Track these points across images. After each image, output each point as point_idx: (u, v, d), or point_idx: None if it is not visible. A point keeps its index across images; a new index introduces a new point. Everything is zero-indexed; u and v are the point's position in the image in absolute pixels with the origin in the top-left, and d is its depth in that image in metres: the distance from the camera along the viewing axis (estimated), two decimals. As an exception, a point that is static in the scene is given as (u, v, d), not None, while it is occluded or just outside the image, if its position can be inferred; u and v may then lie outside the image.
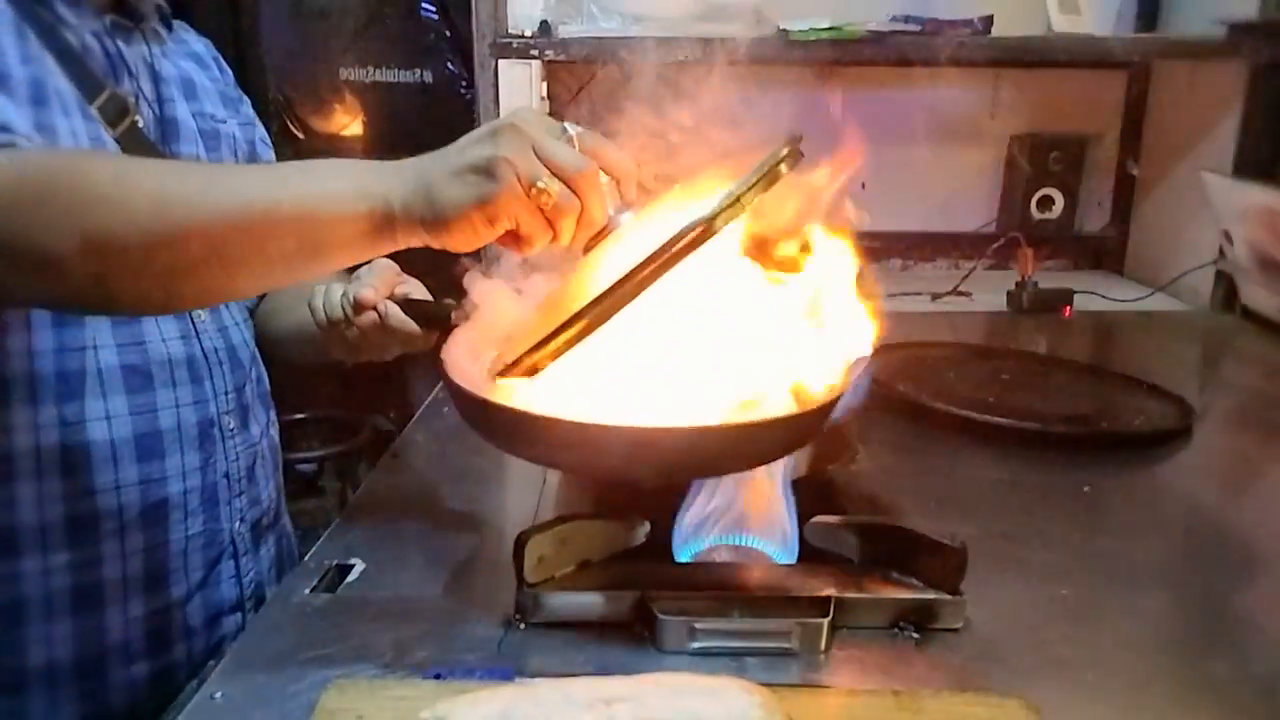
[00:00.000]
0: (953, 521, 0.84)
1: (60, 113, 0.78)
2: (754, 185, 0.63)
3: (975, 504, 0.90)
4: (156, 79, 0.90)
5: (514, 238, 0.65)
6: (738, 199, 0.62)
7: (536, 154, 0.62)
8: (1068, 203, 1.93)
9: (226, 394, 0.91)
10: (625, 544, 0.73)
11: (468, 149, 0.63)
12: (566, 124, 0.66)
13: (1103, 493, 0.93)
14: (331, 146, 2.42)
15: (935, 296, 1.75)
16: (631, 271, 0.61)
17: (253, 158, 1.02)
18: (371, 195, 0.63)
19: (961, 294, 1.77)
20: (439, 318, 0.84)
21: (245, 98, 1.06)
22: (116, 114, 0.84)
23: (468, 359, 0.76)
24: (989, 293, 1.74)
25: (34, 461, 0.79)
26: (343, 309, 0.88)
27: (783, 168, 0.64)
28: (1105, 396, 1.19)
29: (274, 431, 1.03)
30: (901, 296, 1.74)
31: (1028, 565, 0.78)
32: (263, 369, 1.02)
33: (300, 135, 2.51)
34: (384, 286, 0.87)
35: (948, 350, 1.36)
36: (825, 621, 0.64)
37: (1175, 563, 0.83)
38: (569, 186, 0.63)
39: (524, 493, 0.90)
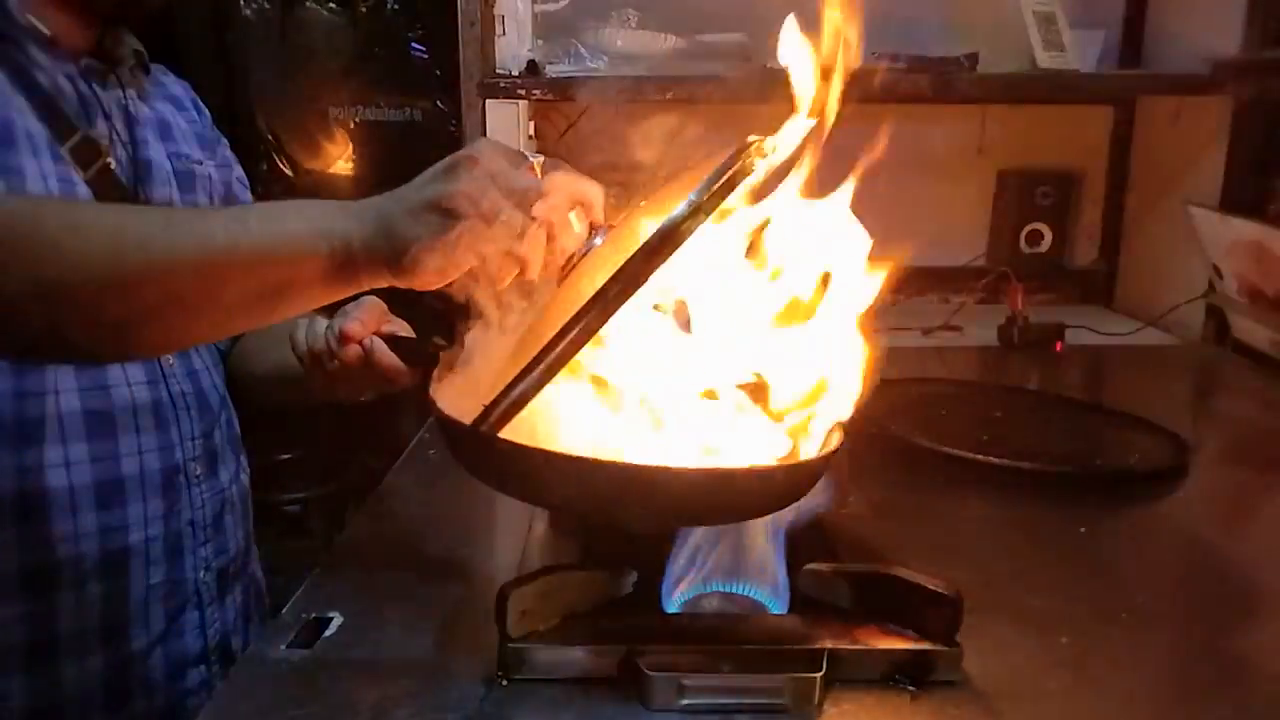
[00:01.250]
0: (947, 566, 0.82)
1: (29, 153, 0.77)
2: (715, 191, 0.61)
3: (970, 547, 0.88)
4: (130, 121, 0.89)
5: (482, 273, 0.64)
6: (698, 207, 0.60)
7: (496, 185, 0.61)
8: (1056, 237, 1.94)
9: (194, 440, 0.89)
10: (612, 594, 0.71)
11: (426, 186, 0.62)
12: (527, 152, 0.65)
13: (1100, 533, 0.92)
14: (321, 185, 2.42)
15: (926, 331, 1.75)
16: (591, 300, 0.59)
17: (229, 199, 1.01)
18: (330, 236, 0.62)
19: (952, 328, 1.76)
20: (425, 356, 0.82)
21: (223, 139, 1.05)
22: (88, 156, 0.83)
23: (458, 395, 0.75)
24: (979, 327, 1.74)
25: None
26: (326, 341, 0.86)
27: (749, 165, 0.63)
28: (1100, 433, 1.18)
29: (244, 477, 1.01)
30: (892, 331, 1.73)
31: (1025, 611, 0.76)
32: (233, 413, 1.00)
33: (290, 173, 2.51)
34: (371, 322, 0.86)
35: (939, 387, 1.35)
36: (818, 676, 0.62)
37: (1176, 605, 0.81)
38: (531, 215, 0.61)
39: (509, 538, 0.88)
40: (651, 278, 0.61)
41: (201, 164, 0.97)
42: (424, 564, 0.85)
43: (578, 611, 0.69)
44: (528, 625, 0.66)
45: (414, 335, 0.92)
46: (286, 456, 2.03)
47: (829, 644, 0.65)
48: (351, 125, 2.40)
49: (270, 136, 2.38)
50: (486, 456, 0.67)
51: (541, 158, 0.66)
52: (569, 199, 0.65)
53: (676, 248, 0.60)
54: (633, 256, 0.60)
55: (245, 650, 0.96)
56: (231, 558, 0.96)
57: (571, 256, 0.66)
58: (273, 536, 1.40)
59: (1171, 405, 1.38)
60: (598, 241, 0.67)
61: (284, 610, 0.75)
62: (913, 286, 1.99)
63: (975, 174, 1.98)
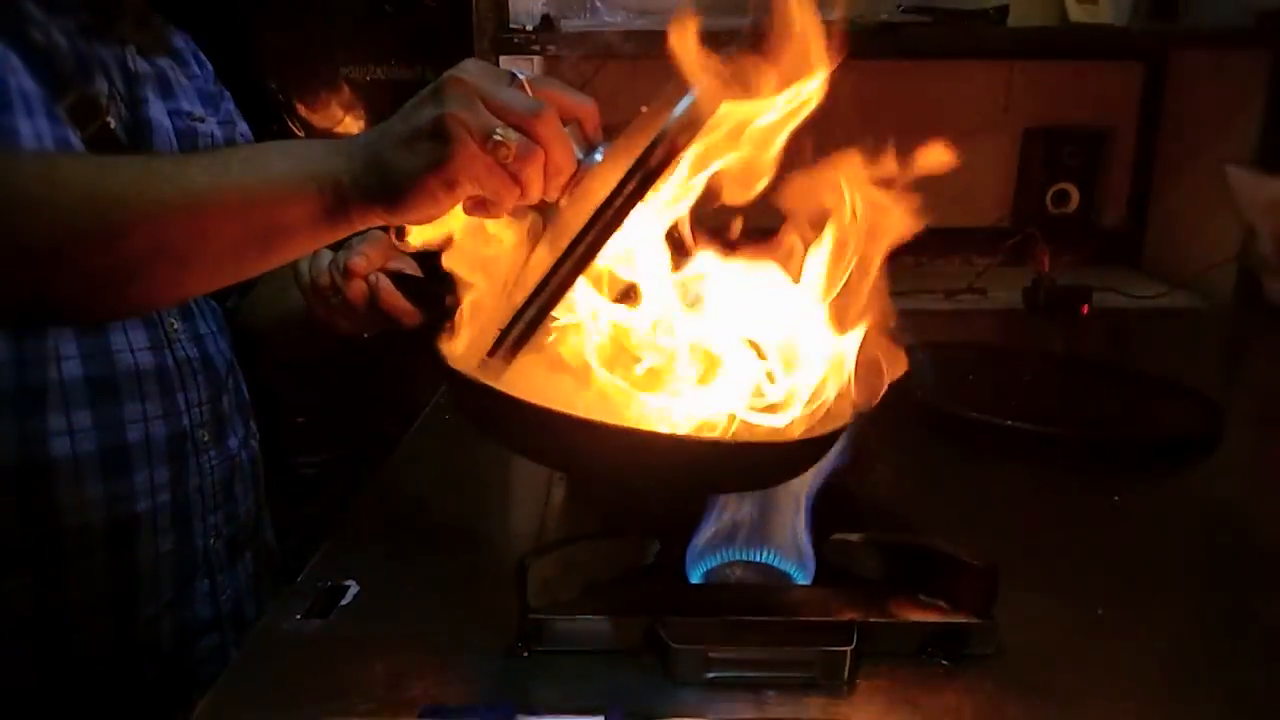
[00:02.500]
0: (978, 535, 0.80)
1: (23, 114, 0.75)
2: (709, 98, 0.58)
3: (1001, 516, 0.86)
4: (130, 78, 0.85)
5: (479, 201, 0.61)
6: (695, 116, 0.57)
7: (486, 105, 0.57)
8: (1083, 197, 1.89)
9: (200, 406, 0.87)
10: (634, 564, 0.69)
11: (413, 113, 0.59)
12: (515, 69, 0.62)
13: (1133, 502, 0.89)
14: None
15: (949, 294, 1.71)
16: (591, 221, 0.57)
17: None
18: (319, 176, 0.60)
19: (976, 291, 1.72)
20: (432, 298, 0.80)
21: (226, 93, 1.01)
22: (86, 115, 0.80)
23: (469, 352, 0.72)
24: (1004, 290, 1.70)
25: None
26: (330, 275, 0.84)
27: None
28: (1131, 399, 1.15)
29: (254, 443, 1.00)
30: (915, 294, 1.70)
31: (1059, 582, 0.73)
32: (241, 379, 0.98)
33: (300, 133, 2.47)
34: (377, 257, 0.83)
35: (965, 351, 1.31)
36: (849, 650, 0.60)
37: (1213, 575, 0.79)
38: (527, 134, 0.58)
39: (528, 505, 0.86)
40: (651, 192, 0.58)
41: (204, 121, 0.93)
42: (441, 530, 0.83)
43: (599, 581, 0.67)
44: (548, 596, 0.64)
45: (421, 274, 0.89)
46: (300, 420, 2.02)
47: (859, 616, 0.63)
48: (363, 84, 2.36)
49: (280, 96, 2.34)
50: (495, 411, 0.65)
51: (530, 73, 0.62)
52: (563, 115, 0.61)
53: (673, 160, 0.57)
54: (630, 171, 0.57)
55: (258, 617, 0.95)
56: (242, 524, 0.94)
57: (573, 175, 0.63)
58: (287, 501, 1.39)
59: (1203, 370, 1.35)
60: (597, 157, 0.64)
61: (299, 579, 0.73)
62: (935, 248, 1.95)
63: (1001, 132, 1.93)
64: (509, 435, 0.71)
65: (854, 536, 0.69)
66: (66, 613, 0.79)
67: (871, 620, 0.63)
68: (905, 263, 2.14)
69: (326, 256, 0.84)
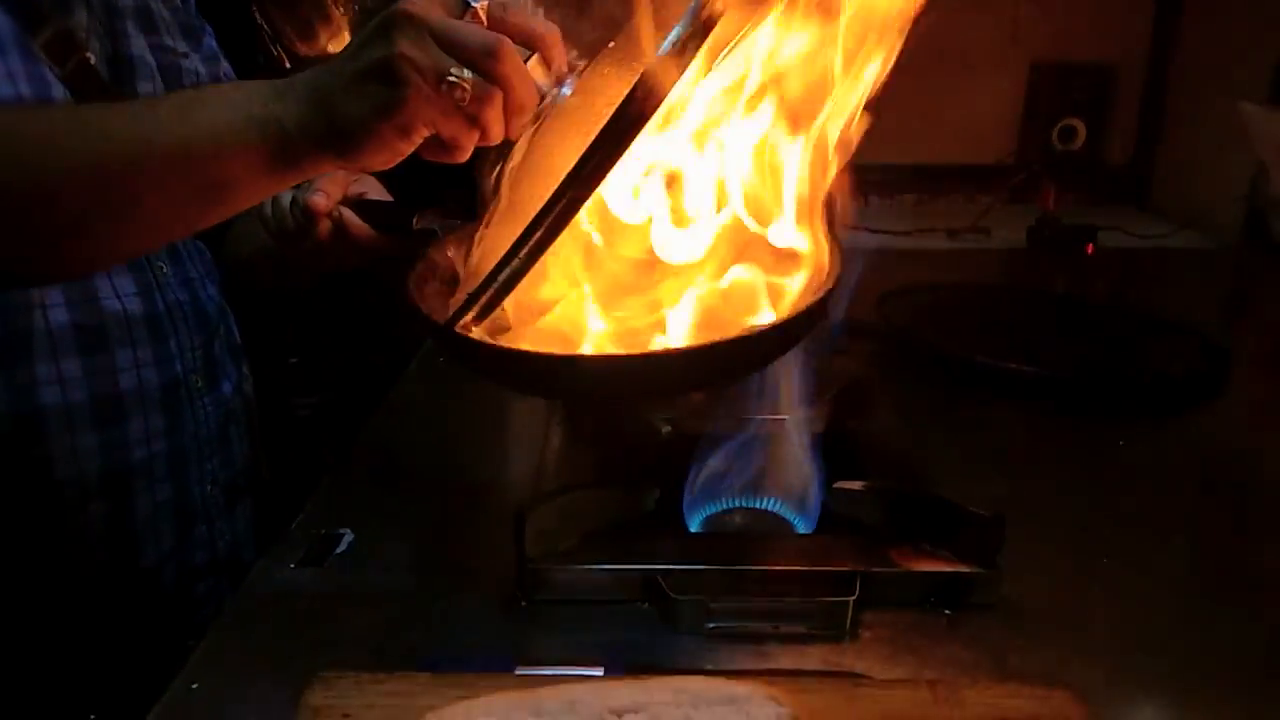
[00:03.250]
0: (982, 481, 0.80)
1: None
2: (692, 31, 0.52)
3: (1004, 461, 0.85)
4: (110, 11, 0.81)
5: (437, 144, 0.57)
6: (680, 51, 0.51)
7: (438, 42, 0.53)
8: (1091, 133, 1.85)
9: (193, 351, 0.85)
10: (633, 512, 0.68)
11: (360, 51, 0.54)
12: None
13: (1138, 446, 0.88)
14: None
15: (952, 233, 1.68)
16: (571, 174, 0.53)
17: None
18: (262, 122, 0.56)
19: (979, 230, 1.69)
20: (400, 221, 0.77)
21: (208, 27, 0.97)
22: (64, 51, 0.76)
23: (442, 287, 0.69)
24: (1008, 229, 1.67)
25: None
26: (294, 219, 0.81)
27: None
28: (1136, 342, 1.13)
29: (248, 387, 0.98)
30: (917, 234, 1.67)
31: (1063, 530, 0.73)
32: (232, 322, 0.96)
33: (288, 65, 2.41)
34: (335, 189, 0.80)
35: (969, 293, 1.29)
36: (850, 600, 0.59)
37: (1219, 521, 0.77)
38: (484, 73, 0.54)
39: (524, 449, 0.85)
40: (638, 138, 0.53)
41: (187, 57, 0.89)
42: (437, 476, 0.82)
43: (598, 530, 0.66)
44: (546, 545, 0.63)
45: (385, 195, 0.85)
46: (294, 361, 2.00)
47: (862, 566, 0.62)
48: (353, 12, 2.29)
49: (265, 26, 2.27)
50: (469, 357, 0.62)
51: (485, 1, 0.57)
52: (524, 44, 0.57)
53: (658, 105, 0.52)
54: (613, 117, 0.52)
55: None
56: (239, 470, 0.93)
57: (538, 112, 0.59)
58: (282, 443, 1.37)
59: (1209, 312, 1.33)
60: (565, 91, 0.60)
61: (293, 526, 0.72)
62: (938, 185, 1.92)
63: (1007, 66, 1.87)
64: (493, 374, 0.68)
65: (856, 485, 0.68)
66: (64, 562, 0.78)
67: (874, 570, 0.62)
68: (906, 200, 2.10)
69: (286, 199, 0.81)
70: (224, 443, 0.90)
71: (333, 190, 0.78)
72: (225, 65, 0.97)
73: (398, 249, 0.77)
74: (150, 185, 0.58)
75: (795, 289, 0.61)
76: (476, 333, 0.58)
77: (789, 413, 0.75)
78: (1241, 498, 0.82)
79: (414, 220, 0.74)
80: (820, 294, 0.59)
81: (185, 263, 0.86)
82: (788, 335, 0.60)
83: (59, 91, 0.74)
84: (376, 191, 0.83)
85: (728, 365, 0.60)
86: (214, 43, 0.96)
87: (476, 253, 0.68)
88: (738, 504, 0.74)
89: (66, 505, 0.77)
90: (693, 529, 0.72)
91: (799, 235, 0.61)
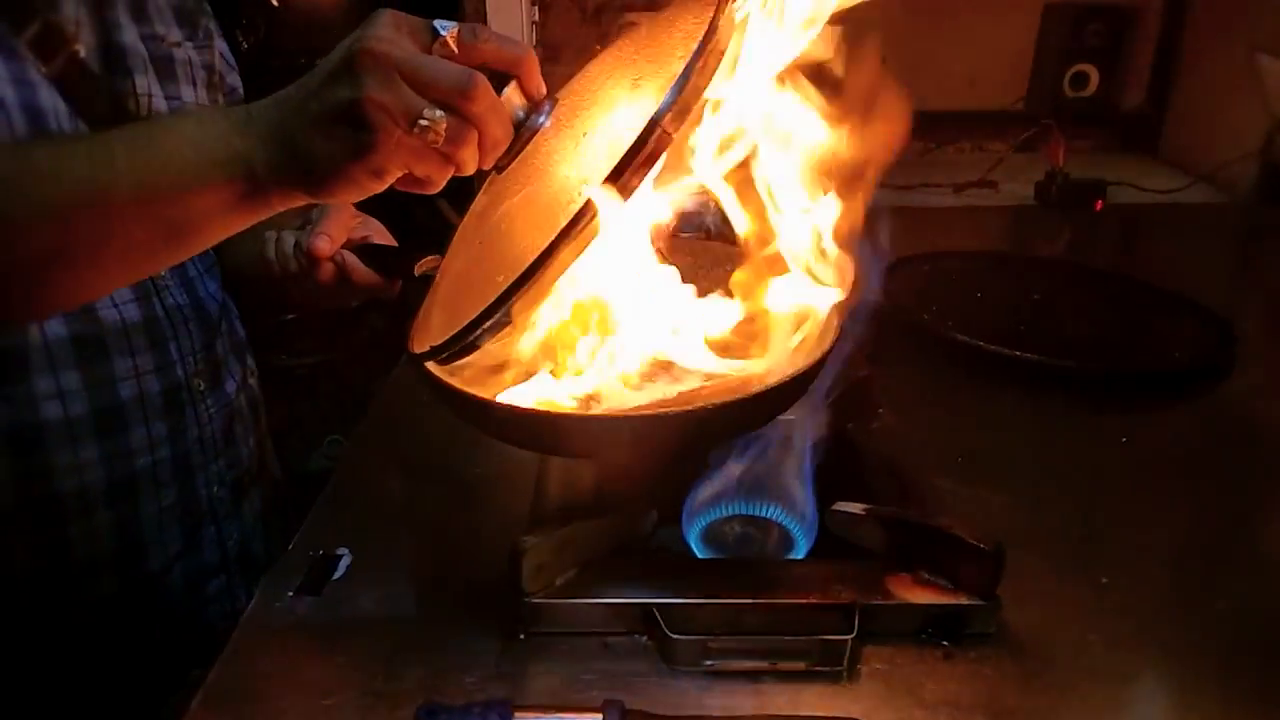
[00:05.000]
0: (982, 488, 0.79)
1: None
2: (696, 68, 0.51)
3: (1005, 462, 0.84)
4: (101, 1, 0.78)
5: (410, 179, 0.56)
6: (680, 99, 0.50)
7: (408, 81, 0.51)
8: (1104, 80, 1.79)
9: (195, 354, 0.84)
10: (631, 537, 0.68)
11: (327, 91, 0.52)
12: (436, 21, 0.54)
13: (1141, 442, 0.87)
14: (309, 13, 2.26)
15: (959, 189, 1.65)
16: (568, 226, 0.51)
17: (211, 85, 0.90)
18: (227, 163, 0.54)
19: (987, 185, 1.66)
20: (402, 266, 0.76)
21: (205, 6, 0.93)
22: (52, 45, 0.73)
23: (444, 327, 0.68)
24: (1016, 181, 1.63)
25: None
26: (297, 261, 0.80)
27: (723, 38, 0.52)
28: (1142, 319, 1.11)
29: (253, 382, 0.97)
30: (922, 189, 1.63)
31: (1063, 543, 0.73)
32: (234, 318, 0.94)
33: (275, 4, 2.33)
34: (339, 233, 0.79)
35: (973, 262, 1.27)
36: (849, 639, 0.59)
37: (1223, 531, 0.77)
38: (457, 112, 0.52)
39: (522, 456, 0.84)
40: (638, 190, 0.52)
41: (179, 46, 0.85)
42: (433, 485, 0.81)
43: (595, 558, 0.65)
44: (544, 578, 0.63)
45: (389, 239, 0.85)
46: (290, 318, 1.98)
47: (859, 596, 0.62)
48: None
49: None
50: (473, 411, 0.62)
51: (456, 26, 0.54)
52: (499, 70, 0.55)
53: (661, 153, 0.51)
54: (618, 166, 0.51)
55: (265, 556, 0.95)
56: (245, 467, 0.92)
57: (514, 143, 0.57)
58: (282, 401, 1.36)
59: (1218, 278, 1.31)
60: (543, 120, 0.58)
61: (291, 546, 0.72)
62: (945, 133, 1.87)
63: (1019, 7, 1.81)
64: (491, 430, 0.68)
65: (856, 508, 0.67)
66: (71, 571, 0.78)
67: (873, 602, 0.62)
68: (914, 148, 2.05)
69: (289, 241, 0.79)
70: (229, 443, 0.89)
71: (336, 234, 0.76)
72: (221, 44, 0.93)
73: (398, 292, 0.76)
74: (114, 227, 0.56)
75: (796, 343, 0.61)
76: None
77: (789, 417, 0.74)
78: (1245, 498, 0.81)
79: (415, 266, 0.72)
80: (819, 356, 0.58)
81: (185, 263, 0.84)
82: (785, 395, 0.59)
83: (46, 93, 0.72)
84: (380, 235, 0.82)
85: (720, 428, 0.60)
86: (211, 23, 0.92)
87: (442, 282, 0.67)
88: (737, 511, 0.74)
89: (71, 515, 0.77)
90: (690, 539, 0.72)
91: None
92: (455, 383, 0.60)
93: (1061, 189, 1.55)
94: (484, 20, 1.41)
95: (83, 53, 0.75)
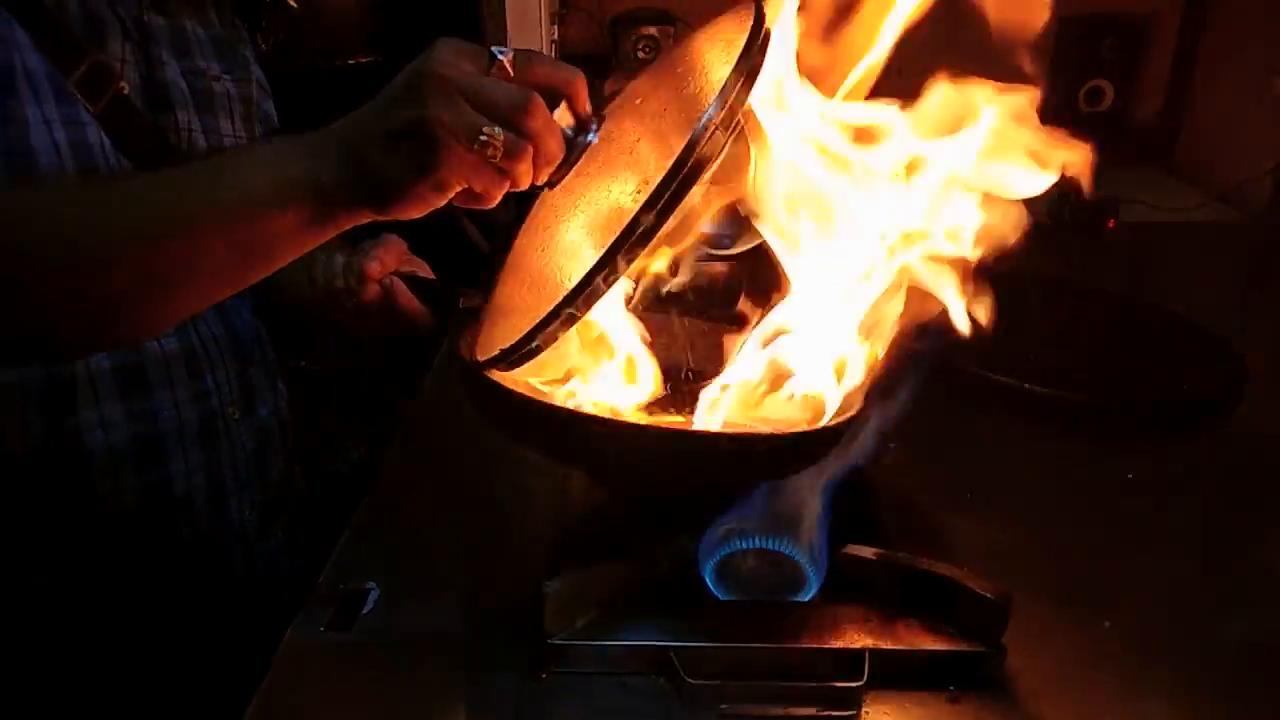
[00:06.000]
0: (992, 525, 0.81)
1: (31, 100, 0.71)
2: (736, 91, 0.56)
3: (1014, 498, 0.86)
4: (145, 36, 0.81)
5: (468, 194, 0.60)
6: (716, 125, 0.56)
7: (469, 101, 0.55)
8: (1119, 94, 1.80)
9: (229, 382, 0.87)
10: (650, 574, 0.70)
11: (393, 112, 0.56)
12: (494, 48, 0.58)
13: (1147, 480, 0.89)
14: (329, 16, 2.28)
15: (971, 204, 1.66)
16: (619, 238, 0.57)
17: (249, 117, 0.93)
18: (299, 185, 0.58)
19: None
20: (448, 300, 0.79)
21: (244, 36, 0.95)
22: (99, 85, 0.76)
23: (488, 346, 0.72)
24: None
25: (29, 473, 0.77)
26: (345, 279, 0.83)
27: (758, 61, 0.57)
28: (1152, 347, 1.13)
29: (284, 405, 1.00)
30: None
31: (1069, 586, 0.74)
32: (268, 344, 0.97)
33: (294, 6, 2.35)
34: (391, 260, 0.83)
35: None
36: (859, 685, 0.61)
37: (1227, 572, 0.79)
38: (514, 128, 0.56)
39: (545, 479, 0.86)
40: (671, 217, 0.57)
41: (219, 79, 0.89)
42: (459, 511, 0.84)
43: (616, 596, 0.68)
44: (566, 618, 0.65)
45: (435, 277, 0.88)
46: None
47: (869, 640, 0.64)
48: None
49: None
50: (519, 414, 0.66)
51: (511, 51, 0.58)
52: (550, 91, 0.59)
53: (705, 171, 0.56)
54: (662, 181, 0.56)
55: (290, 571, 0.98)
56: (275, 490, 0.96)
57: (565, 158, 0.61)
58: (304, 403, 1.39)
59: (1231, 301, 1.32)
60: (591, 138, 0.62)
61: (320, 579, 0.75)
62: (959, 146, 1.88)
63: (1035, 17, 1.81)
64: (532, 438, 0.71)
65: (866, 552, 0.70)
66: (106, 591, 0.82)
67: (883, 647, 0.64)
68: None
69: (340, 261, 0.82)
70: (260, 468, 0.92)
71: (388, 260, 0.80)
72: (257, 72, 0.97)
73: (440, 327, 0.79)
74: (199, 252, 0.60)
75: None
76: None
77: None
78: (1253, 541, 0.83)
79: (460, 300, 0.75)
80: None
81: None
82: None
83: (94, 132, 0.75)
84: (426, 273, 0.84)
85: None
86: (249, 52, 0.95)
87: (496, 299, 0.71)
88: (751, 545, 0.77)
89: (107, 540, 0.80)
90: (706, 574, 0.75)
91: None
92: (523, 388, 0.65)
93: (1075, 208, 1.56)
94: (505, 40, 1.43)
95: (127, 90, 0.78)
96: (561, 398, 0.73)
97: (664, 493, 0.75)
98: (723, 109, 0.57)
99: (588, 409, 0.72)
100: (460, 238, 0.96)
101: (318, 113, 0.61)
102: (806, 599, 0.70)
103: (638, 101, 0.68)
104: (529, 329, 0.61)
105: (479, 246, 1.00)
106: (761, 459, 0.68)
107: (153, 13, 0.82)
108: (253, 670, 0.64)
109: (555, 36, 1.52)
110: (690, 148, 0.56)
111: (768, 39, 0.60)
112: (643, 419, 0.77)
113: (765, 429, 0.71)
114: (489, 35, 1.43)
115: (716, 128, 0.56)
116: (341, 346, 1.02)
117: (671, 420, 0.78)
